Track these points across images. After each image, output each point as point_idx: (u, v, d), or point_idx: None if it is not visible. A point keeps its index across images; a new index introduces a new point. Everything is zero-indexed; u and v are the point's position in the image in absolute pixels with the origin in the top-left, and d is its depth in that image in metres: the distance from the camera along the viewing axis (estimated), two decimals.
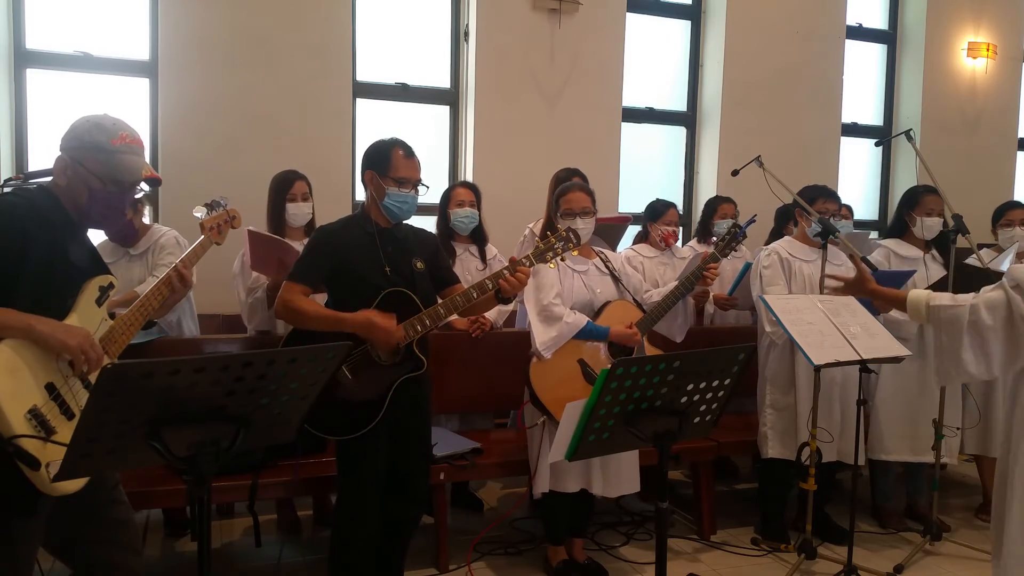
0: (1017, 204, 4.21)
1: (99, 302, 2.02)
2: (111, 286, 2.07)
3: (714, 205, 4.68)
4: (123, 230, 3.39)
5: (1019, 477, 2.08)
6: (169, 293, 2.16)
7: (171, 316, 3.46)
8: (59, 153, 1.98)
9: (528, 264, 2.71)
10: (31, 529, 1.89)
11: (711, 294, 4.11)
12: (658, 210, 4.40)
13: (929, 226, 3.71)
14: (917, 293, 2.20)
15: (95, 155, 1.95)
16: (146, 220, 3.58)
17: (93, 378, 1.90)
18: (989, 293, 2.01)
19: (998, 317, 1.98)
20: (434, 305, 2.70)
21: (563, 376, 3.02)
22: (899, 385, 3.72)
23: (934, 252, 3.80)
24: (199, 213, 2.38)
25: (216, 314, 4.21)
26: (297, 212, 3.61)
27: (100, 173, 1.96)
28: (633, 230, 4.93)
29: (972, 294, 2.08)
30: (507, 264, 2.72)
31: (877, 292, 2.47)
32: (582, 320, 3.07)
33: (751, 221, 3.42)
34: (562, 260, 2.86)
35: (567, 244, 2.78)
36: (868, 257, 3.35)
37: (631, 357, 1.89)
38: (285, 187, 3.61)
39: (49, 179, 2.01)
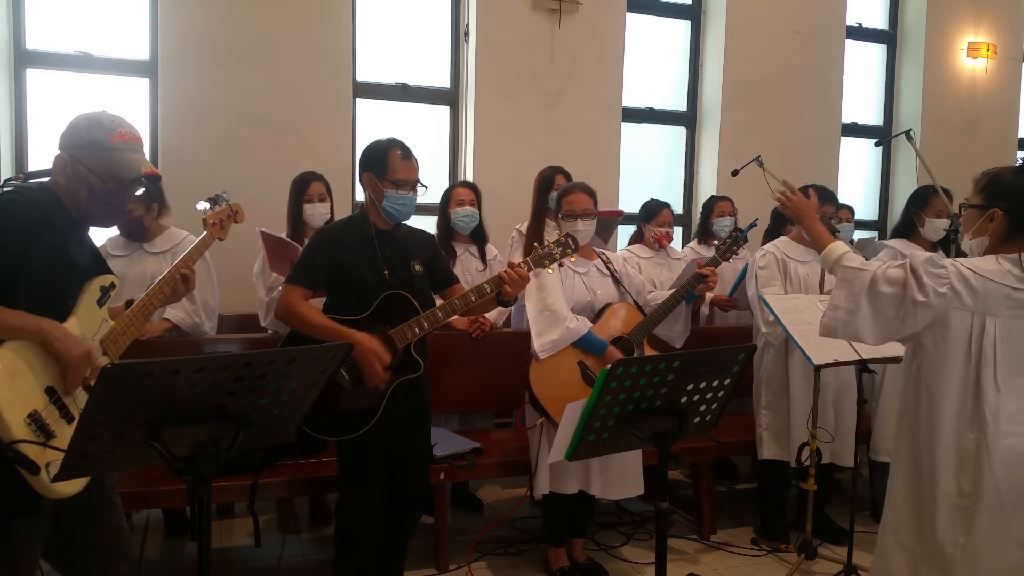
0: None
1: (100, 303, 2.01)
2: (112, 286, 2.06)
3: (711, 204, 4.68)
4: (132, 227, 3.40)
5: (899, 460, 2.28)
6: (171, 292, 2.16)
7: (193, 319, 3.49)
8: (58, 152, 1.98)
9: (527, 269, 2.71)
10: (32, 530, 1.88)
11: (707, 296, 4.09)
12: (652, 211, 4.40)
13: (937, 228, 3.70)
14: (837, 246, 2.31)
15: (94, 153, 1.94)
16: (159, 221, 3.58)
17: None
18: (892, 269, 2.13)
19: (893, 292, 2.10)
20: (432, 308, 2.69)
21: (562, 378, 3.01)
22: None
23: (940, 253, 3.78)
24: (202, 207, 2.37)
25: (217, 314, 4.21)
26: (314, 212, 3.69)
27: (99, 171, 1.95)
28: (630, 230, 4.94)
29: (879, 262, 2.21)
30: (506, 268, 2.72)
31: (812, 225, 2.48)
32: (584, 328, 3.05)
33: (752, 225, 3.41)
34: (560, 266, 2.86)
35: (565, 250, 2.78)
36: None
37: (631, 357, 1.89)
38: (302, 188, 3.71)
39: (48, 178, 2.00)
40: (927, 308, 2.07)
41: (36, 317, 1.82)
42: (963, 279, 2.07)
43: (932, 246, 3.78)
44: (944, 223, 3.69)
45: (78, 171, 1.95)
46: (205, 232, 2.32)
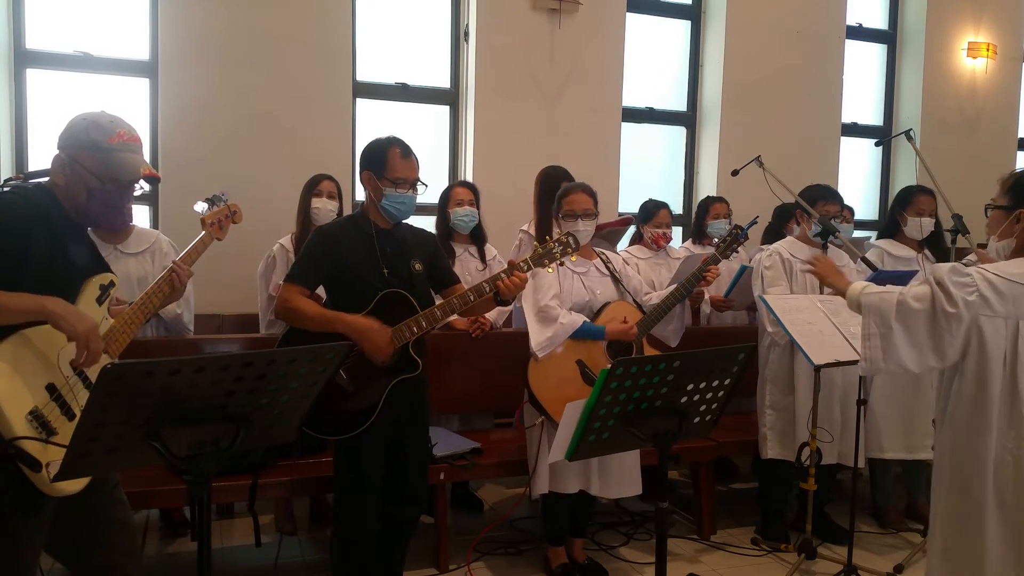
0: None
1: (99, 301, 2.02)
2: (112, 284, 2.06)
3: (706, 205, 4.68)
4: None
5: (942, 471, 2.23)
6: (170, 291, 2.16)
7: (176, 310, 3.49)
8: (57, 152, 1.97)
9: (526, 268, 2.70)
10: (33, 530, 1.89)
11: (705, 295, 4.09)
12: (649, 211, 4.40)
13: (920, 226, 3.71)
14: (856, 284, 2.31)
15: (92, 154, 1.94)
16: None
17: (93, 376, 1.90)
18: (916, 287, 2.12)
19: (923, 307, 2.09)
20: (431, 307, 2.69)
21: (561, 377, 3.01)
22: (894, 384, 3.71)
23: (927, 252, 3.80)
24: (199, 208, 2.37)
25: (216, 314, 4.21)
26: (320, 207, 3.76)
27: (98, 172, 1.94)
28: (630, 231, 4.93)
29: (900, 288, 2.19)
30: (506, 267, 2.72)
31: (836, 283, 2.53)
32: (578, 320, 3.06)
33: (753, 223, 3.41)
34: (560, 265, 2.86)
35: (566, 249, 2.77)
36: (867, 257, 3.35)
37: (631, 357, 1.89)
38: (313, 185, 3.83)
39: (48, 179, 2.00)
40: (958, 320, 2.04)
41: (37, 296, 1.80)
42: (990, 285, 2.05)
43: (918, 245, 3.79)
44: (928, 222, 3.71)
45: (77, 172, 1.94)
46: (204, 232, 2.32)
